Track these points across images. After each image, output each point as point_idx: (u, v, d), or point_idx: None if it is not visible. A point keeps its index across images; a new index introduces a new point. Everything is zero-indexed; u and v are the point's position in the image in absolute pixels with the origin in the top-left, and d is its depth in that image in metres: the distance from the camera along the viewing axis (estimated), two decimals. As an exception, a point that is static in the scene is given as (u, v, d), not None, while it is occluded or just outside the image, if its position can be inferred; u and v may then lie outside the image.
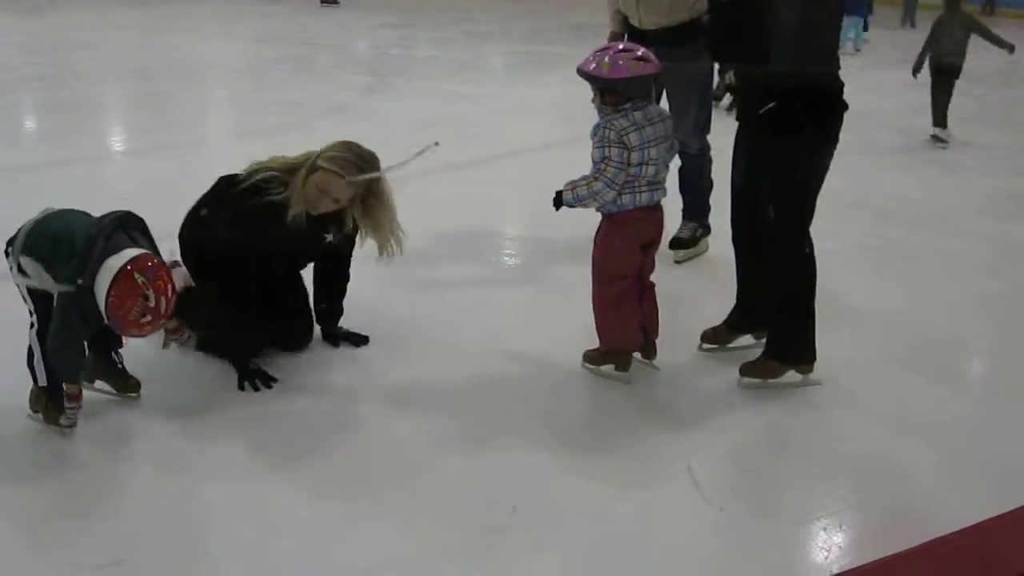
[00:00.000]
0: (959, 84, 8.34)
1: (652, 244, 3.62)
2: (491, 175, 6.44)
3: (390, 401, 3.47)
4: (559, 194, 3.48)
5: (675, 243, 4.95)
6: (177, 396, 3.42)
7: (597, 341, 3.66)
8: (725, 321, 3.90)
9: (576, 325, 3.79)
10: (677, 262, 4.90)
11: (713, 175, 4.96)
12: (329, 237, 3.59)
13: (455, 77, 11.18)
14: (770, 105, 3.32)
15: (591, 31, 15.10)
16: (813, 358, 3.60)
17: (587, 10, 19.29)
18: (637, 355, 3.70)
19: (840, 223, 5.67)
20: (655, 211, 3.56)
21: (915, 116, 8.76)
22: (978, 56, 15.26)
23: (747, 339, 3.87)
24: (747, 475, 3.09)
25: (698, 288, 4.60)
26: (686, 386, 3.67)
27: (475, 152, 6.43)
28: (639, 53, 3.42)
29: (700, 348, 3.91)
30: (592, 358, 3.70)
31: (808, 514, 2.90)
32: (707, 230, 5.03)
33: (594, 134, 3.43)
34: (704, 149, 4.92)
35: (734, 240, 3.79)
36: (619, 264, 3.56)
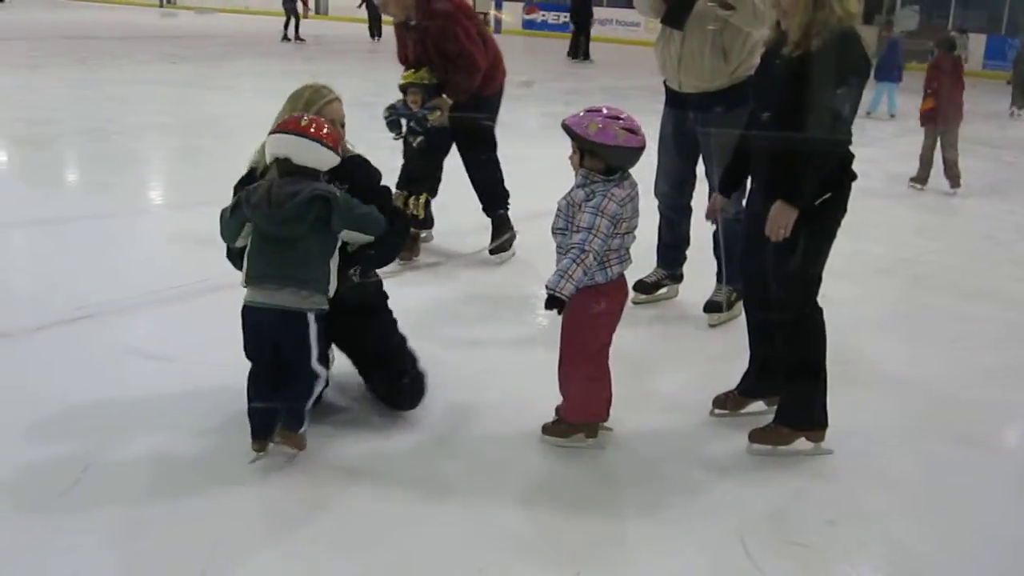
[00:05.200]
0: (987, 151, 8.36)
1: (622, 309, 3.55)
2: (525, 234, 6.45)
3: (408, 463, 3.47)
4: (552, 296, 3.24)
5: (710, 307, 4.95)
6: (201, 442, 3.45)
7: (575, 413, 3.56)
8: (737, 387, 3.88)
9: (617, 389, 3.74)
10: (712, 326, 4.90)
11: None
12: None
13: (491, 137, 11.25)
14: (826, 196, 3.32)
15: (621, 93, 15.30)
16: (824, 425, 3.56)
17: (617, 74, 19.54)
18: None
19: (872, 288, 5.67)
20: (624, 277, 3.50)
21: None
22: (1008, 123, 15.32)
23: (759, 405, 3.85)
24: (776, 543, 3.05)
25: (732, 352, 4.56)
26: (716, 450, 3.64)
27: (512, 212, 6.45)
28: (629, 123, 3.31)
29: (712, 414, 3.89)
30: (558, 431, 3.58)
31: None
32: (741, 294, 5.01)
33: (587, 198, 3.29)
34: (739, 214, 4.89)
35: (745, 305, 3.79)
36: (601, 334, 3.48)
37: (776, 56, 3.46)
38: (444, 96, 5.54)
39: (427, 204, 5.88)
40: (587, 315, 3.41)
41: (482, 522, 3.09)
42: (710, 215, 3.95)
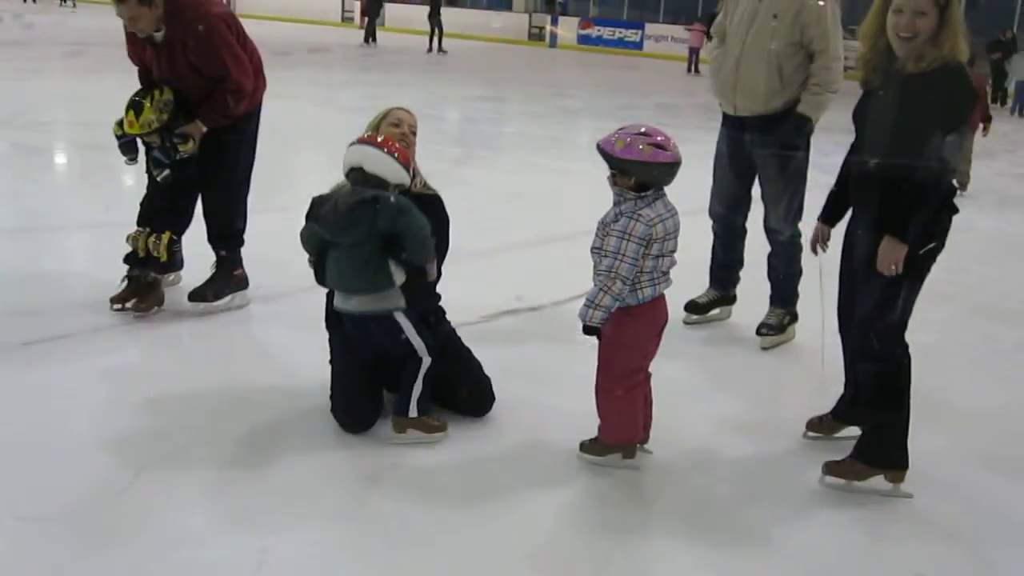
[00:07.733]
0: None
1: (661, 332, 3.53)
2: (577, 250, 6.46)
3: (442, 474, 3.48)
4: (586, 324, 3.35)
5: (763, 329, 4.89)
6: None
7: (602, 430, 3.55)
8: (832, 410, 3.81)
9: (665, 411, 3.72)
10: (764, 349, 4.84)
11: (803, 262, 4.89)
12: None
13: (544, 151, 11.28)
14: (931, 245, 3.28)
15: (674, 110, 15.26)
16: (905, 465, 3.44)
17: (672, 92, 19.46)
18: None
19: (934, 316, 5.52)
20: (663, 299, 3.47)
21: (1014, 206, 8.55)
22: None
23: (853, 430, 3.71)
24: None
25: (785, 376, 4.53)
26: (770, 479, 3.58)
27: (562, 227, 6.46)
28: (658, 139, 3.27)
29: (805, 436, 3.83)
30: (594, 450, 3.57)
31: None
32: (795, 317, 4.95)
33: (615, 220, 3.32)
34: (795, 236, 4.86)
35: (840, 330, 3.70)
36: (635, 357, 3.47)
37: (879, 88, 3.40)
38: (197, 122, 4.62)
39: (171, 244, 4.80)
40: (618, 337, 3.41)
41: (508, 538, 3.08)
42: (814, 246, 3.79)
